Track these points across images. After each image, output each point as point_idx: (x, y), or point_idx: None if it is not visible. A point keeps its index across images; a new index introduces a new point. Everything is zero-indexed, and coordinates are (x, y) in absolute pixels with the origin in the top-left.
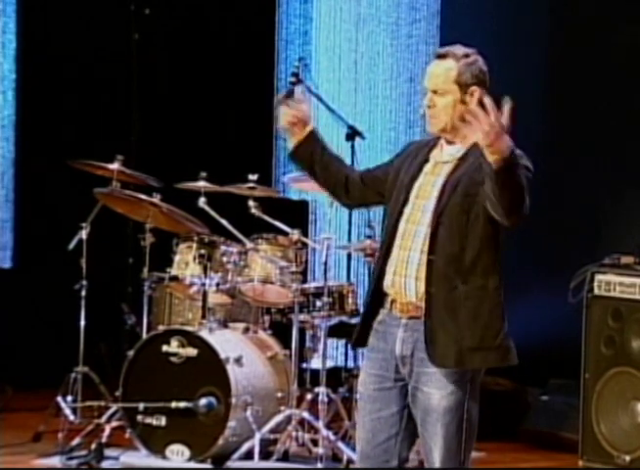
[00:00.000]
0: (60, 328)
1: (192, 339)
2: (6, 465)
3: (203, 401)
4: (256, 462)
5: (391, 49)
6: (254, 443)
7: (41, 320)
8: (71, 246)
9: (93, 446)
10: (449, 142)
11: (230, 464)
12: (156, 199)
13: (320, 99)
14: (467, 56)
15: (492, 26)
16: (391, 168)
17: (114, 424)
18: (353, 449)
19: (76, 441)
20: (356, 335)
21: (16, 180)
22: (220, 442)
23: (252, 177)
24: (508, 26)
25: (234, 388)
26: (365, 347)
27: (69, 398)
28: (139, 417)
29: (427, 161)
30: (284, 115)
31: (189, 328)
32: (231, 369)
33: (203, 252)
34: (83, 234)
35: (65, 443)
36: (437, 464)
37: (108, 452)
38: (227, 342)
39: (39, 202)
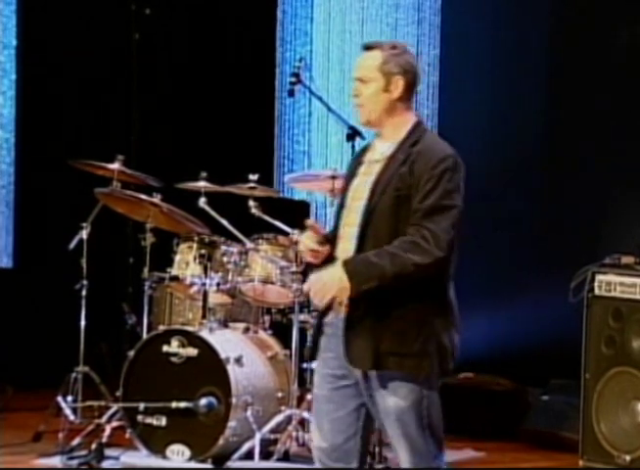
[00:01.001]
0: (60, 328)
1: (192, 339)
2: (6, 465)
3: (203, 401)
4: (257, 462)
5: None
6: (255, 443)
7: (42, 320)
8: (72, 246)
9: (93, 446)
10: (382, 139)
11: (230, 464)
12: (156, 199)
13: (320, 99)
14: (394, 48)
15: (493, 26)
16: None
17: (115, 424)
18: None
19: (77, 441)
20: (315, 347)
21: (16, 180)
22: (221, 442)
23: (253, 177)
24: (509, 26)
25: (234, 388)
26: None
27: (70, 397)
28: (139, 417)
29: (362, 162)
30: (306, 243)
31: (189, 328)
32: (231, 369)
33: (203, 252)
34: (84, 234)
35: (65, 442)
36: (407, 465)
37: (108, 452)
38: (227, 342)
39: (40, 202)
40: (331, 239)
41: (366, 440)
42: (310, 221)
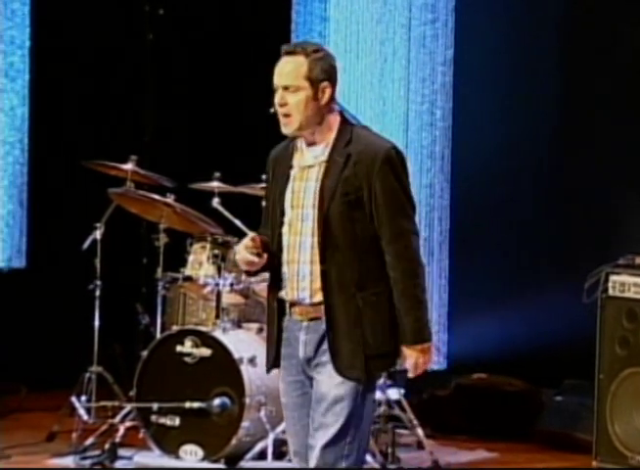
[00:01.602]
0: (74, 328)
1: (206, 339)
2: (20, 465)
3: (216, 402)
4: (270, 462)
5: (405, 49)
6: (268, 443)
7: (55, 320)
8: (85, 246)
9: (107, 446)
10: (309, 144)
11: (243, 464)
12: (169, 199)
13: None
14: (316, 51)
15: (508, 26)
16: (270, 191)
17: (128, 424)
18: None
19: (90, 440)
20: (272, 357)
21: (29, 180)
22: (234, 442)
23: (266, 178)
24: (522, 26)
25: (248, 388)
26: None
27: (84, 397)
28: (153, 417)
29: (291, 167)
30: (242, 254)
31: (203, 328)
32: (245, 369)
33: (216, 252)
34: (97, 234)
35: (78, 442)
36: (319, 459)
37: (121, 452)
38: (241, 342)
39: (53, 202)
40: (270, 246)
41: None
42: (253, 234)
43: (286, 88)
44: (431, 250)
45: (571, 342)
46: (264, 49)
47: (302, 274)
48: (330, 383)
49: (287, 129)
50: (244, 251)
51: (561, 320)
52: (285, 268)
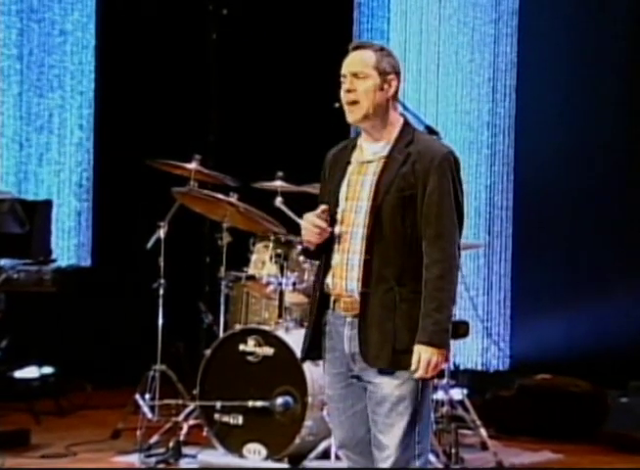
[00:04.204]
0: (138, 326)
1: (268, 338)
2: (85, 461)
3: (279, 401)
4: (333, 462)
5: (470, 48)
6: (331, 442)
7: (119, 319)
8: (150, 245)
9: (171, 444)
10: (371, 140)
11: (307, 464)
12: (233, 198)
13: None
14: (382, 49)
15: (571, 26)
16: (325, 189)
17: (192, 422)
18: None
19: (154, 438)
20: (306, 347)
21: (94, 179)
22: (297, 441)
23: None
24: (587, 27)
25: (310, 387)
26: (316, 360)
27: (148, 396)
28: (216, 416)
29: (349, 163)
30: (314, 220)
31: (265, 327)
32: (307, 369)
33: (279, 251)
34: (161, 233)
35: (143, 440)
36: (392, 456)
37: (185, 450)
38: None
39: (118, 201)
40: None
41: None
42: (325, 206)
43: (355, 75)
44: (493, 250)
45: (636, 343)
46: (327, 48)
47: (352, 264)
48: (391, 383)
49: (352, 116)
50: (314, 217)
51: (626, 321)
52: (335, 258)
